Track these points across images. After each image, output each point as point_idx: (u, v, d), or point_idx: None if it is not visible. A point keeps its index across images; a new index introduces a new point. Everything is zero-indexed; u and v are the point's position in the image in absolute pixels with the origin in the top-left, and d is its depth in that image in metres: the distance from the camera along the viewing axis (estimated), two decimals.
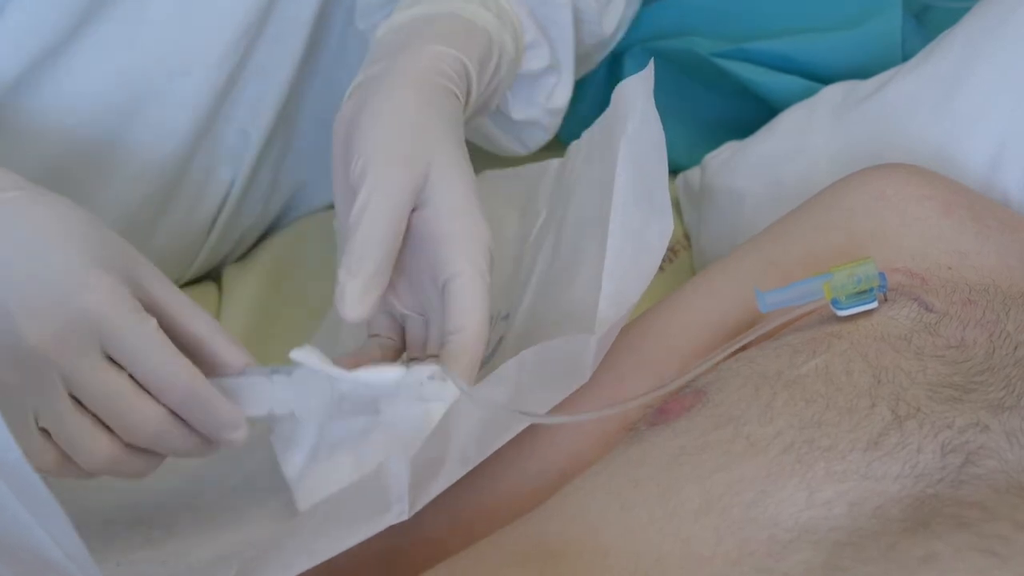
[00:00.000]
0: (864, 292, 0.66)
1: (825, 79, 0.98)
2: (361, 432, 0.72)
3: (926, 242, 0.74)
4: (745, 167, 0.97)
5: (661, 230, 0.72)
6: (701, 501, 0.61)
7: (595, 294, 0.72)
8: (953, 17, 0.94)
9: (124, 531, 0.76)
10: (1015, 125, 0.88)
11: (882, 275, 0.67)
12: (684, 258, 1.00)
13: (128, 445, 0.68)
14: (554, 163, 0.90)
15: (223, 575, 0.65)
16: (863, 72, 0.97)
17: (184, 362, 0.67)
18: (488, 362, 0.87)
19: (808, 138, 0.95)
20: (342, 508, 0.67)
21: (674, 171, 1.04)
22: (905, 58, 0.96)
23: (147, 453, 0.69)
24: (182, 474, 0.79)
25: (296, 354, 0.70)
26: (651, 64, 0.76)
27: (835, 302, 0.68)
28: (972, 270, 0.72)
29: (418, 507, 0.65)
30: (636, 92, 0.76)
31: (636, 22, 1.05)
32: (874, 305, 0.67)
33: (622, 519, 0.61)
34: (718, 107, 1.05)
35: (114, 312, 0.65)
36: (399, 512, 0.65)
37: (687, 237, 1.01)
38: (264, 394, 0.71)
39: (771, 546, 0.59)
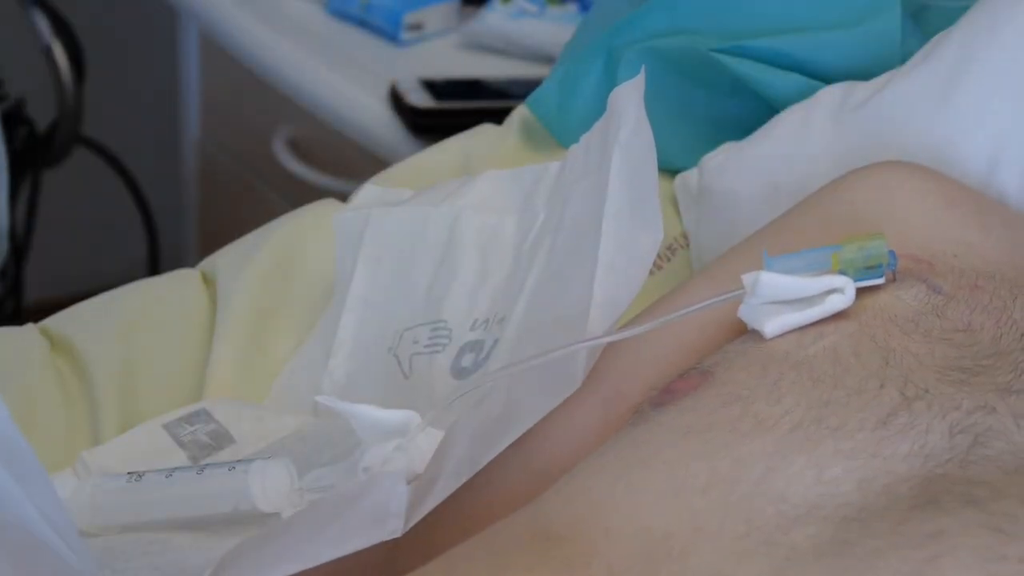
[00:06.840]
0: (872, 268, 0.66)
1: (825, 77, 0.98)
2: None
3: (931, 233, 0.74)
4: (742, 169, 0.97)
5: (651, 239, 0.73)
6: (708, 477, 0.61)
7: (586, 301, 0.72)
8: (949, 17, 0.94)
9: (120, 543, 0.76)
10: (1013, 126, 0.88)
11: (892, 253, 0.67)
12: (682, 257, 1.00)
13: None
14: (553, 166, 0.91)
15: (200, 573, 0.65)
16: (863, 70, 0.97)
17: None
18: (482, 366, 0.87)
19: (805, 141, 0.95)
20: (334, 518, 0.67)
21: (673, 172, 1.04)
22: (903, 58, 0.96)
23: None
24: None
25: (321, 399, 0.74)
26: (643, 70, 0.76)
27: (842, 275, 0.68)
28: (979, 259, 0.72)
29: (411, 524, 0.65)
30: (629, 99, 0.76)
31: (633, 22, 1.06)
32: (881, 281, 0.67)
33: (628, 499, 0.61)
34: (716, 108, 1.05)
35: None
36: (394, 529, 0.65)
37: (685, 236, 1.01)
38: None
39: (779, 520, 0.58)
